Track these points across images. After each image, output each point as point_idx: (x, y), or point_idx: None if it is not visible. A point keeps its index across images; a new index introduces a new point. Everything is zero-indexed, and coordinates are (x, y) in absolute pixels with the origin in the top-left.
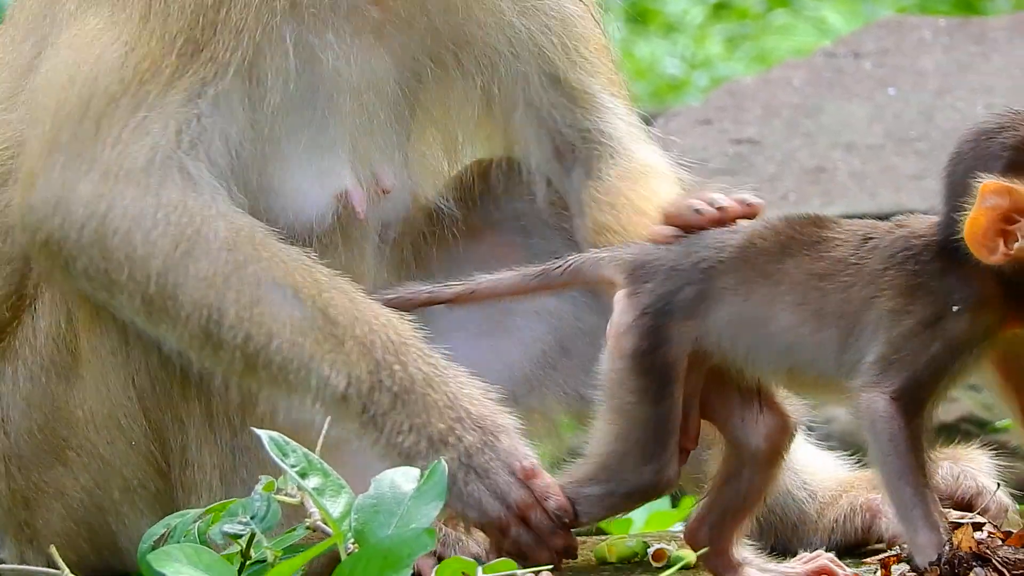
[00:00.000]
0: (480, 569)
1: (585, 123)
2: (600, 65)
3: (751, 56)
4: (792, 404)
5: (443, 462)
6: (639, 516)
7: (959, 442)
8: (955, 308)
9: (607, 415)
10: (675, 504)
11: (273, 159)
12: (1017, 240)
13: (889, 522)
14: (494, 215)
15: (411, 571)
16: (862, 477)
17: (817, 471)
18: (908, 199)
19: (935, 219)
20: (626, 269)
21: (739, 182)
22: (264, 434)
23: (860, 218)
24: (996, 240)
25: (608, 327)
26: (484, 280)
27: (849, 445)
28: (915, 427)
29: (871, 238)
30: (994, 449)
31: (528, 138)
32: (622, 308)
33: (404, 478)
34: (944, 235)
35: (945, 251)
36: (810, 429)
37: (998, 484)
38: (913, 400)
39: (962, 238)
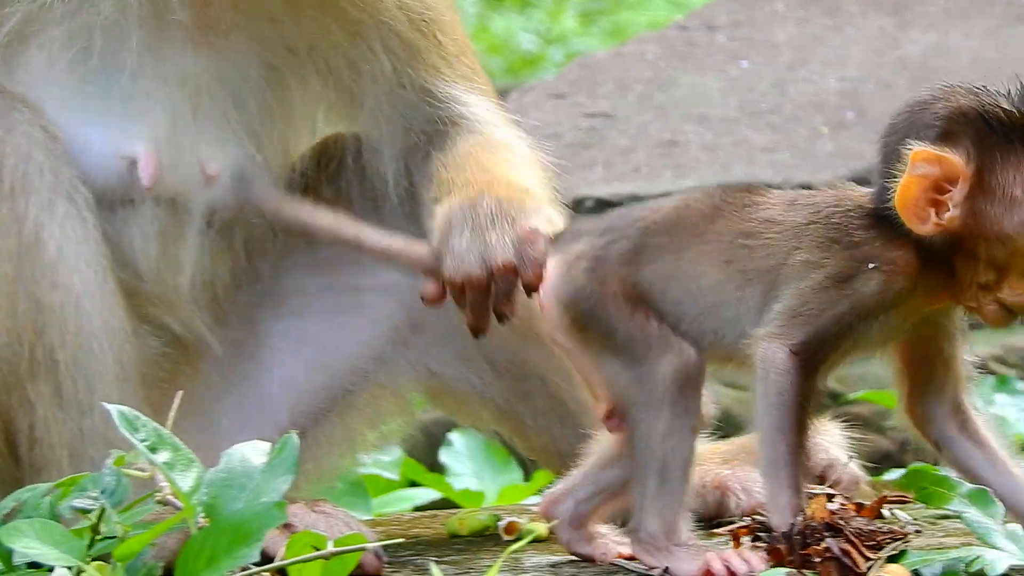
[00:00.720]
0: (330, 543)
1: (440, 112)
2: (457, 55)
3: (606, 31)
4: (706, 402)
5: (294, 435)
6: (491, 490)
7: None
8: (870, 266)
9: (597, 369)
10: (527, 478)
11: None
12: (948, 210)
13: (739, 499)
14: (344, 193)
15: (261, 545)
16: (714, 451)
17: None
18: (761, 172)
19: (862, 190)
20: (556, 239)
21: (592, 156)
22: (114, 409)
23: None
24: (927, 210)
25: (543, 293)
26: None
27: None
28: (807, 385)
29: (799, 199)
30: (847, 421)
31: (381, 132)
32: (554, 266)
33: (254, 452)
34: (877, 203)
35: (875, 219)
36: None
37: (850, 456)
38: (812, 357)
39: (894, 207)
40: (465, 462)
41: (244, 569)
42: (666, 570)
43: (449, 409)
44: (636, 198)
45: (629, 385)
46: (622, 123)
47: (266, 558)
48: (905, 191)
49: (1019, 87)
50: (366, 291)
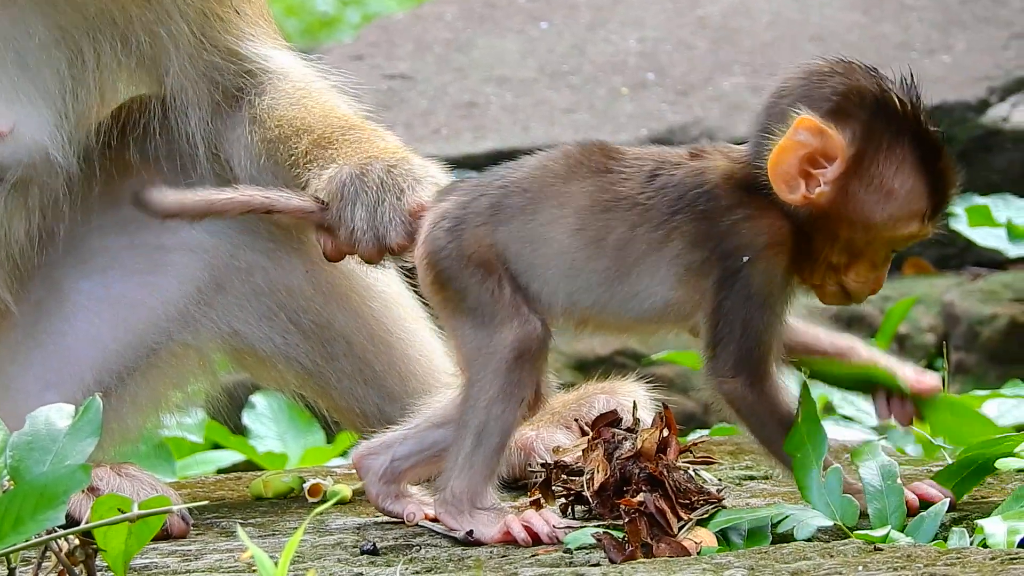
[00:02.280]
0: (135, 505)
1: (249, 67)
2: (256, 17)
3: None
4: (548, 381)
5: (97, 399)
6: (294, 452)
7: (615, 375)
8: (745, 258)
9: (451, 327)
10: (330, 441)
11: None
12: (819, 185)
13: (544, 461)
14: (152, 156)
15: (66, 508)
16: None
17: None
18: (561, 132)
19: (733, 150)
20: (436, 193)
21: (392, 118)
22: None
23: (511, 154)
24: (799, 179)
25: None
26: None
27: None
28: (767, 389)
29: (658, 174)
30: (650, 382)
31: (187, 95)
32: (424, 224)
33: (59, 415)
34: (750, 161)
35: (742, 187)
36: None
37: (657, 416)
38: (753, 368)
39: (765, 169)
40: (268, 424)
41: (49, 532)
42: (469, 533)
43: (253, 370)
44: (436, 159)
45: (472, 347)
46: (421, 85)
47: (72, 521)
48: (781, 154)
49: (910, 78)
50: (170, 250)
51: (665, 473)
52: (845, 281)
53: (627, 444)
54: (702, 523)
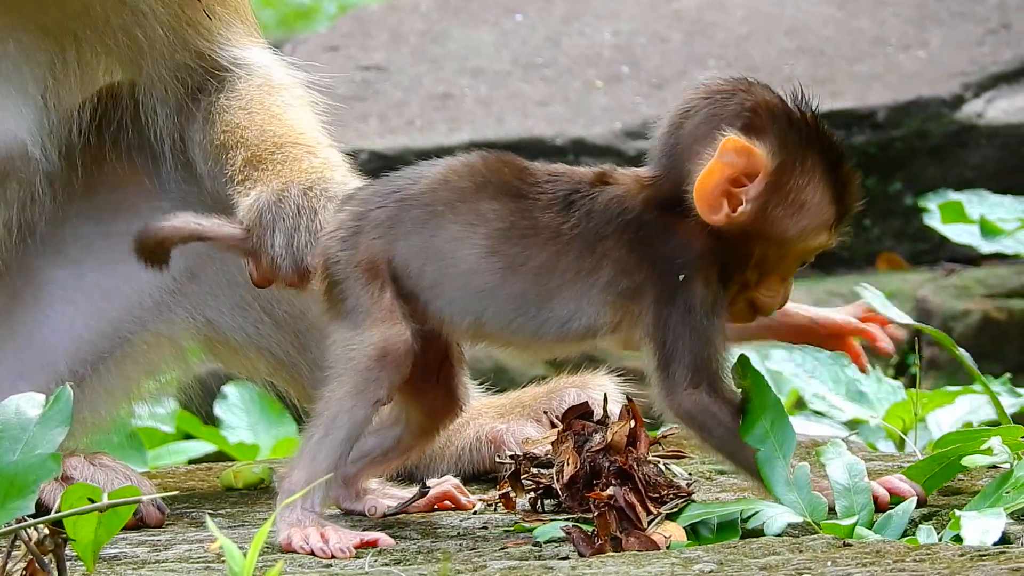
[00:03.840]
0: (105, 495)
1: (215, 68)
2: (233, 12)
3: None
4: (467, 388)
5: (68, 387)
6: (265, 443)
7: (586, 369)
8: (681, 277)
9: (331, 331)
10: (302, 432)
11: None
12: (741, 204)
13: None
14: (123, 146)
15: (36, 497)
16: (490, 405)
17: None
18: (535, 125)
19: (640, 173)
20: (338, 202)
21: (366, 109)
22: None
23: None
24: (721, 200)
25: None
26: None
27: (478, 374)
28: (726, 397)
29: (574, 199)
30: (621, 375)
31: (156, 93)
32: (324, 229)
33: (29, 404)
34: (664, 183)
35: (663, 209)
36: None
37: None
38: (711, 377)
39: (684, 192)
40: (240, 415)
41: (19, 521)
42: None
43: (225, 359)
44: (411, 151)
45: (340, 346)
46: (396, 76)
47: (44, 510)
48: (708, 177)
49: (800, 92)
50: None
51: (635, 467)
52: (755, 297)
53: (597, 437)
54: (672, 517)
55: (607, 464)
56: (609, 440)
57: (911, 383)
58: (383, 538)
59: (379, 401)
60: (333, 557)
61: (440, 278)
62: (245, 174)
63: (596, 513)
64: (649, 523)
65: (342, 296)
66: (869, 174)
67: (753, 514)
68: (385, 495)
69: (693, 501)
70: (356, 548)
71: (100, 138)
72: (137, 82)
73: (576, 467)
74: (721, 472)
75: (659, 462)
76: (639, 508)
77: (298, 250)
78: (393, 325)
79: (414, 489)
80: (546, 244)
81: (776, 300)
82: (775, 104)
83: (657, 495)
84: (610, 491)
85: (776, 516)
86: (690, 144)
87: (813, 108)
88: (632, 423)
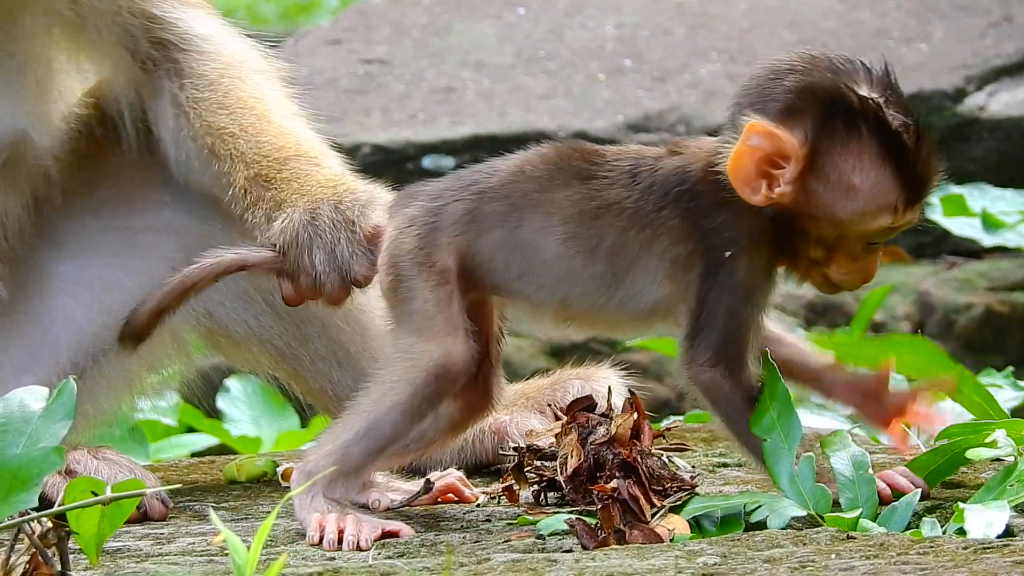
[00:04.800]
0: (109, 488)
1: (166, 32)
2: None
3: None
4: (501, 386)
5: (71, 381)
6: (268, 436)
7: (589, 361)
8: (727, 253)
9: (394, 329)
10: (305, 424)
11: None
12: (779, 186)
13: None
14: (122, 135)
15: (39, 490)
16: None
17: None
18: (537, 118)
19: (707, 144)
20: (393, 200)
21: (369, 102)
22: None
23: (489, 137)
24: (759, 181)
25: (377, 250)
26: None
27: None
28: (744, 381)
29: (639, 172)
30: (625, 369)
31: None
32: (390, 226)
33: (33, 397)
34: (721, 163)
35: (720, 181)
36: None
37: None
38: (732, 359)
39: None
40: (242, 408)
41: (22, 514)
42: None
43: (226, 351)
44: (413, 144)
45: (399, 347)
46: (398, 69)
47: (47, 503)
48: (736, 160)
49: (884, 66)
50: (145, 231)
51: (639, 459)
52: (828, 273)
53: (601, 429)
54: (675, 510)
55: (611, 457)
56: (613, 433)
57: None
58: (405, 528)
59: (425, 418)
60: (359, 548)
61: (527, 267)
62: (256, 195)
63: (600, 506)
64: (653, 516)
65: (409, 295)
66: None
67: (757, 507)
68: (390, 488)
69: (697, 494)
70: (376, 540)
71: (103, 131)
72: (90, 52)
73: (580, 460)
74: (724, 465)
75: (662, 455)
76: (643, 501)
77: (343, 263)
78: (457, 341)
79: (419, 482)
80: (615, 221)
81: (852, 277)
82: (825, 87)
83: (661, 488)
84: (614, 484)
85: (780, 509)
86: (734, 123)
87: (884, 90)
88: (636, 416)
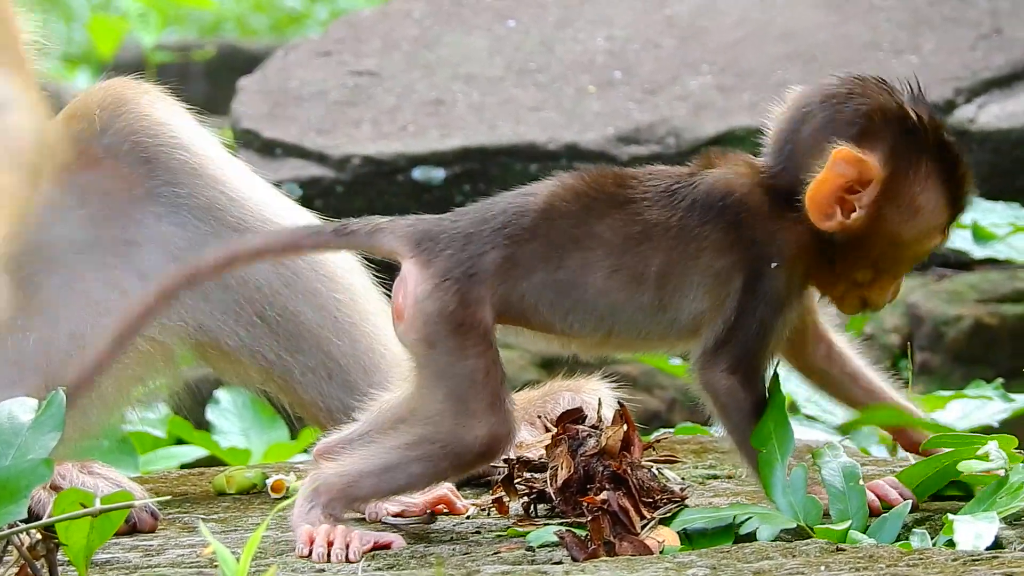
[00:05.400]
0: (98, 500)
1: None
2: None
3: None
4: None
5: (60, 392)
6: (257, 448)
7: (580, 373)
8: (774, 264)
9: (425, 383)
10: (294, 436)
11: None
12: (855, 211)
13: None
14: (106, 143)
15: (28, 502)
16: None
17: None
18: (528, 131)
19: (754, 160)
20: (411, 239)
21: (359, 114)
22: None
23: (479, 149)
24: (834, 207)
25: (402, 298)
26: (246, 243)
27: None
28: (756, 394)
29: (677, 190)
30: (616, 381)
31: None
32: (418, 276)
33: (22, 409)
34: (777, 175)
35: (770, 197)
36: None
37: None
38: (751, 369)
39: (798, 192)
40: (232, 420)
41: (11, 526)
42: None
43: (216, 364)
44: (403, 156)
45: (440, 408)
46: (388, 81)
47: (34, 518)
48: (820, 187)
49: (917, 88)
50: (136, 244)
51: (629, 471)
52: (868, 295)
53: (591, 441)
54: (665, 522)
55: (601, 469)
56: (603, 445)
57: (903, 388)
58: (397, 540)
59: (442, 482)
60: (348, 561)
61: (573, 305)
62: None
63: (590, 518)
64: (642, 528)
65: (449, 359)
66: None
67: (747, 519)
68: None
69: (686, 506)
70: (367, 552)
71: (89, 144)
72: None
73: (570, 471)
74: (714, 477)
75: (652, 467)
76: (632, 513)
77: None
78: (502, 421)
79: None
80: (659, 243)
81: (885, 297)
82: (890, 108)
83: (650, 500)
84: (604, 496)
85: (770, 521)
86: (808, 148)
87: (930, 110)
88: (626, 428)
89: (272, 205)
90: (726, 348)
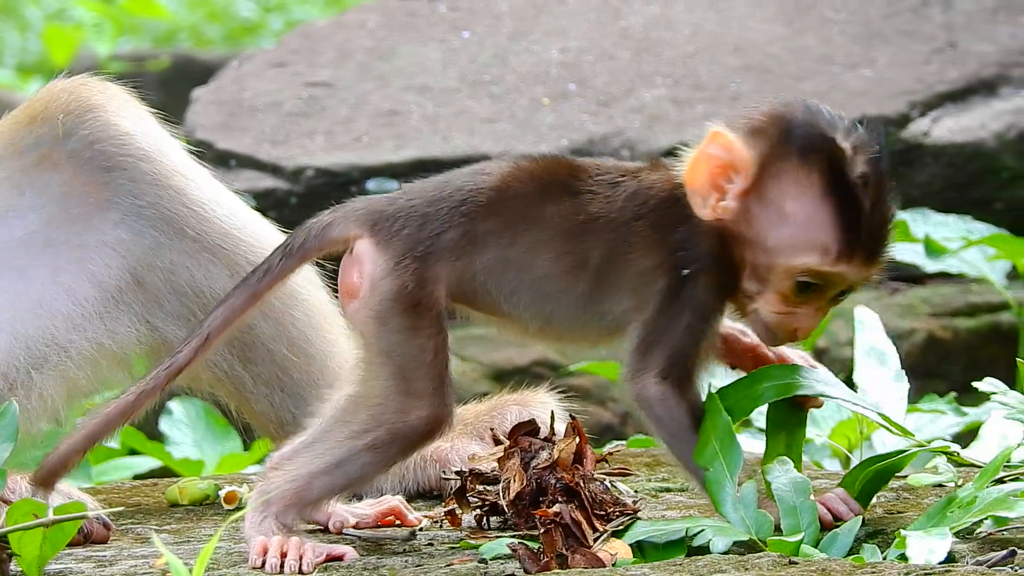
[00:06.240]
0: (50, 511)
1: None
2: None
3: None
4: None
5: (14, 403)
6: (211, 459)
7: (532, 386)
8: (684, 272)
9: (373, 362)
10: (247, 448)
11: None
12: (724, 200)
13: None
14: (69, 148)
15: None
16: None
17: None
18: (481, 142)
19: (674, 166)
20: (365, 220)
21: (313, 125)
22: None
23: (434, 160)
24: (711, 192)
25: (356, 277)
26: (214, 318)
27: None
28: (690, 400)
29: (619, 183)
30: (567, 393)
31: None
32: (376, 256)
33: None
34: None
35: (687, 202)
36: None
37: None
38: (682, 375)
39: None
40: (185, 431)
41: None
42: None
43: None
44: (357, 168)
45: (383, 391)
46: (343, 92)
47: None
48: (694, 166)
49: (880, 135)
50: (90, 248)
51: (581, 484)
52: (759, 309)
53: (544, 454)
54: (618, 534)
55: (553, 481)
56: (555, 457)
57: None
58: (350, 552)
59: (391, 469)
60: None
61: (518, 285)
62: None
63: (542, 530)
64: (595, 540)
65: (399, 338)
66: None
67: (699, 531)
68: (348, 510)
69: (639, 519)
70: (319, 564)
71: (56, 149)
72: None
73: (522, 484)
74: (667, 490)
75: (605, 479)
76: (585, 525)
77: None
78: (444, 404)
79: (362, 504)
80: (600, 236)
81: (780, 320)
82: (793, 117)
83: (603, 512)
84: (556, 508)
85: (722, 534)
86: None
87: (866, 149)
88: (578, 440)
89: (237, 217)
90: (654, 353)
